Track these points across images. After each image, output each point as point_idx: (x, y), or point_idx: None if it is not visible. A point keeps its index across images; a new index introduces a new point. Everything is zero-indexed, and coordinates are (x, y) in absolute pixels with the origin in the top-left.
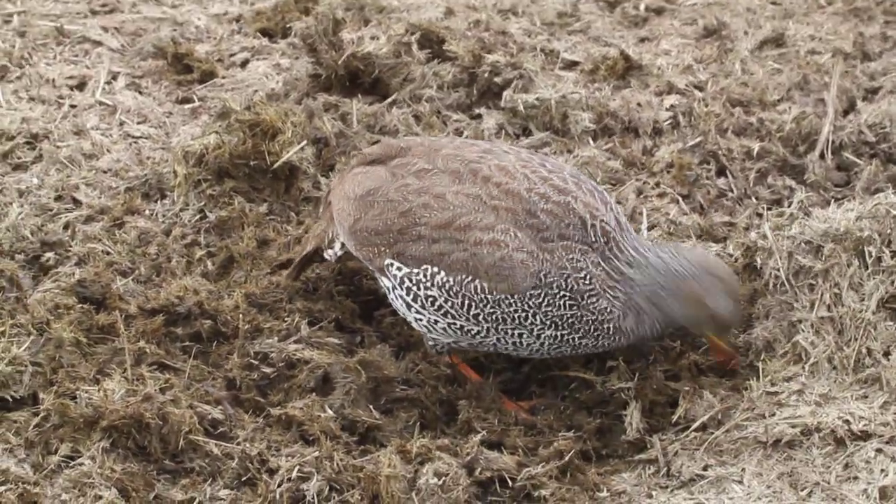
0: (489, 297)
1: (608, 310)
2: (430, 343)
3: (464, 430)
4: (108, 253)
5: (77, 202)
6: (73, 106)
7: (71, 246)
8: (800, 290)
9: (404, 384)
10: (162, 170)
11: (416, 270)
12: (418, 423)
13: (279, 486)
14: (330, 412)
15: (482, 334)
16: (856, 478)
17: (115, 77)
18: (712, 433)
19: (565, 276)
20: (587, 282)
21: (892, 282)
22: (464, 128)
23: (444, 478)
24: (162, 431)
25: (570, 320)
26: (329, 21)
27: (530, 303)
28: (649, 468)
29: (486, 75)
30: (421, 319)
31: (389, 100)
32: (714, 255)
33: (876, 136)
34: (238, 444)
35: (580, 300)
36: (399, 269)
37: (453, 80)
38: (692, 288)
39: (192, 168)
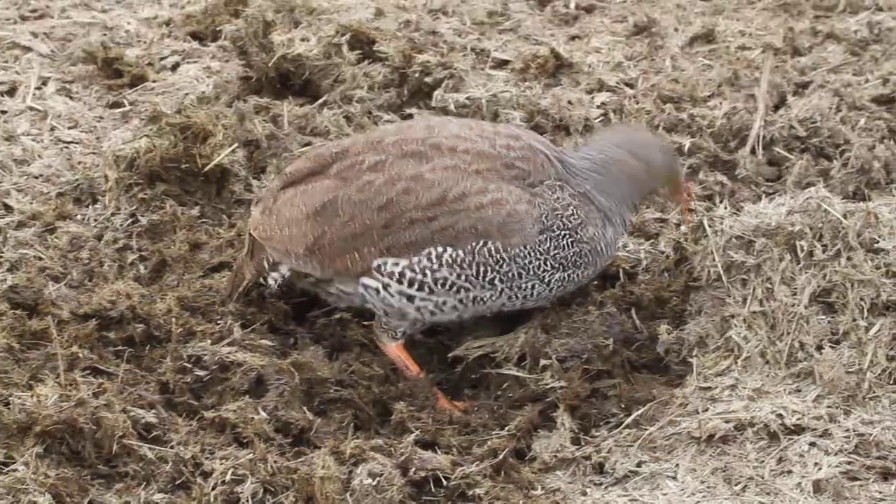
0: (504, 255)
1: (597, 234)
2: (387, 331)
3: (398, 430)
4: (39, 258)
5: (8, 208)
6: (3, 112)
7: (2, 252)
8: (732, 285)
9: (338, 385)
10: (93, 174)
11: (416, 258)
12: (352, 424)
13: (213, 489)
14: (263, 414)
15: (494, 297)
16: (790, 472)
17: (45, 82)
18: (646, 430)
19: (558, 215)
20: (575, 215)
21: (824, 276)
22: None
23: (378, 478)
24: (96, 436)
25: (573, 258)
26: (259, 23)
27: (540, 250)
28: (583, 465)
29: (416, 75)
30: (426, 306)
31: (320, 101)
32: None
33: (806, 131)
34: (172, 447)
35: (576, 235)
36: (395, 263)
37: (384, 81)
38: (629, 165)
39: (124, 172)
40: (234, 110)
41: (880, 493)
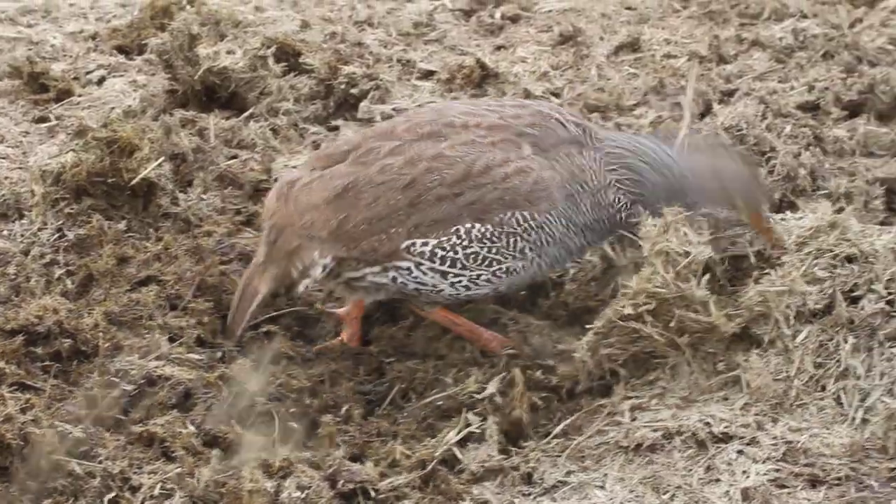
0: (533, 223)
1: (618, 198)
2: (426, 303)
3: (325, 443)
4: None
5: None
6: None
7: None
8: None
9: (265, 398)
10: (19, 189)
11: (446, 237)
12: (280, 437)
13: (142, 503)
14: (191, 428)
15: (526, 267)
16: (717, 480)
17: None
18: (574, 439)
19: (577, 179)
20: (594, 178)
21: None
22: (321, 140)
23: (306, 491)
24: (24, 452)
25: (591, 223)
26: (185, 37)
27: (565, 215)
28: (512, 476)
29: (342, 87)
30: (460, 281)
31: (246, 114)
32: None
33: (732, 139)
34: (100, 462)
35: (594, 199)
36: (425, 244)
37: (310, 93)
38: (707, 164)
39: (50, 187)
40: (160, 124)
41: (808, 500)
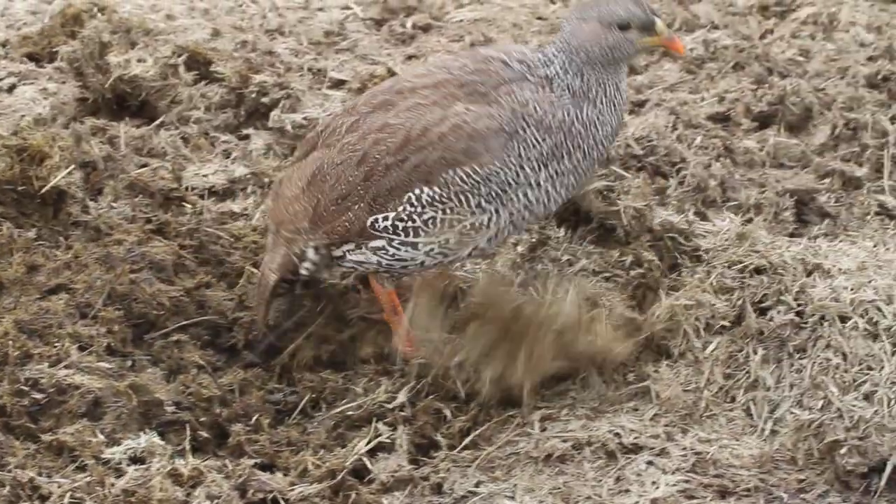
0: (477, 177)
1: (567, 114)
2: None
3: (235, 452)
4: None
5: None
6: None
7: None
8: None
9: (175, 407)
10: None
11: (400, 208)
12: (190, 446)
13: None
14: (101, 437)
15: (494, 219)
16: (627, 491)
17: None
18: (484, 450)
19: (518, 115)
20: (536, 108)
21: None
22: (232, 149)
23: (216, 500)
24: None
25: (549, 151)
26: (95, 45)
27: (513, 159)
28: (421, 486)
29: (253, 96)
30: (433, 248)
31: (157, 122)
32: None
33: (643, 150)
34: (9, 470)
35: (542, 127)
36: (385, 218)
37: (221, 101)
38: (591, 26)
39: None
40: (70, 132)
41: None
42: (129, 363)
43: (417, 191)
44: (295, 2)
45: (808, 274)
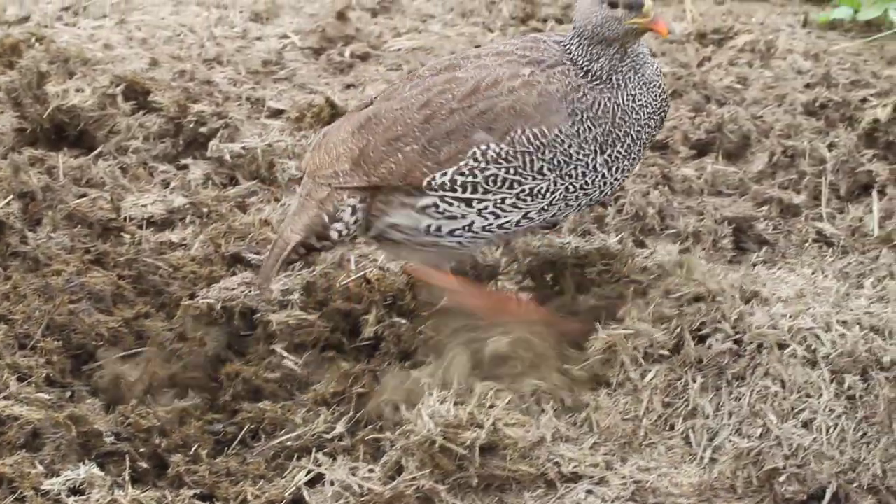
0: (544, 140)
1: (607, 101)
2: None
3: (175, 482)
4: None
5: None
6: None
7: None
8: None
9: (115, 437)
10: None
11: (462, 162)
12: (129, 477)
13: None
14: (40, 468)
15: (551, 189)
16: None
17: None
18: None
19: (572, 98)
20: (586, 95)
21: None
22: (171, 178)
23: None
24: None
25: (603, 139)
26: (33, 75)
27: (574, 131)
28: None
29: (191, 125)
30: (486, 207)
31: (95, 152)
32: None
33: None
34: None
35: (592, 114)
36: (443, 174)
37: (159, 131)
38: (585, 2)
39: None
40: (8, 162)
41: None
42: (68, 394)
43: (483, 146)
44: (233, 31)
45: (747, 301)
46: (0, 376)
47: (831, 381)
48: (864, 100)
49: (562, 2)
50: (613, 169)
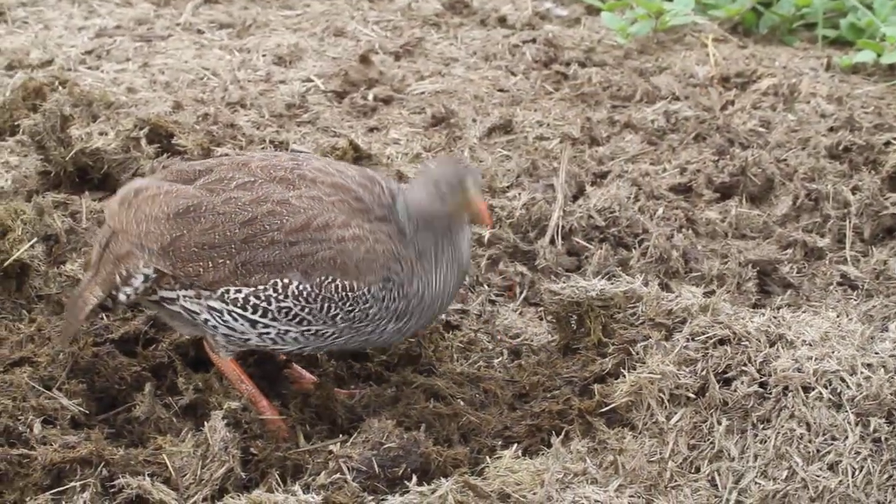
0: (353, 294)
1: (419, 285)
2: (224, 347)
3: None
4: None
5: None
6: None
7: None
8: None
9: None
10: None
11: (262, 287)
12: None
13: None
14: None
15: (335, 335)
16: None
17: None
18: None
19: (392, 268)
20: (403, 268)
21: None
22: None
23: None
24: None
25: (402, 310)
26: (57, 118)
27: (380, 296)
28: None
29: None
30: (268, 333)
31: None
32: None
33: (605, 220)
34: None
35: (402, 290)
36: (238, 290)
37: None
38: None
39: None
40: (32, 205)
41: None
42: (92, 435)
43: (287, 280)
44: (256, 75)
45: (772, 344)
46: (25, 418)
47: (857, 424)
48: (887, 143)
49: (584, 45)
50: (396, 333)
